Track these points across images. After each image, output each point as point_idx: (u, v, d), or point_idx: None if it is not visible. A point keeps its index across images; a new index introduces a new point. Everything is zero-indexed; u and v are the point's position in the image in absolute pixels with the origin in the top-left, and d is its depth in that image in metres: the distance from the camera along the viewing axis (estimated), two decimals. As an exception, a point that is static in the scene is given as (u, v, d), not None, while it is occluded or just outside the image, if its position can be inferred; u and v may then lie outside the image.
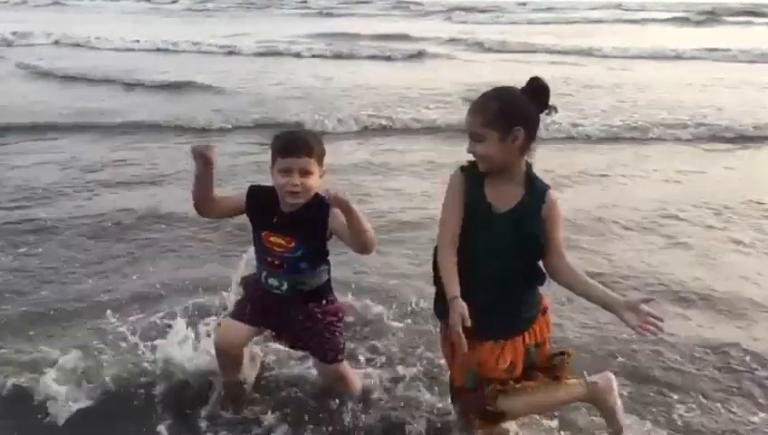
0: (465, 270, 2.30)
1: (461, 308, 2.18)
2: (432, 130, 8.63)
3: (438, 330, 2.66)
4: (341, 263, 4.35)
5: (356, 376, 2.96)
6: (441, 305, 2.39)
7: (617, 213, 5.49)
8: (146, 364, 3.12)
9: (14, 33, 19.40)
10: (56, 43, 18.64)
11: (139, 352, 3.18)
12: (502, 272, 2.32)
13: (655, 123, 8.77)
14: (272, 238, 2.65)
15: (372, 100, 10.44)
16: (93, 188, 6.07)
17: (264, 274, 2.72)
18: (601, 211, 5.52)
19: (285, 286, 2.69)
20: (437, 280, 2.41)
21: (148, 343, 3.21)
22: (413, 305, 3.72)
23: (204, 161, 2.52)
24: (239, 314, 2.80)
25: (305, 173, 2.53)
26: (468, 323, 2.16)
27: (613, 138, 8.37)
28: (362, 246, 2.53)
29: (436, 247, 2.41)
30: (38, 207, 5.47)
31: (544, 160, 6.88)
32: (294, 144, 2.54)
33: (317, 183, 2.58)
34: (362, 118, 8.92)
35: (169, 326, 3.33)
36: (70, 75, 12.57)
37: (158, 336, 3.27)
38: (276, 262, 2.66)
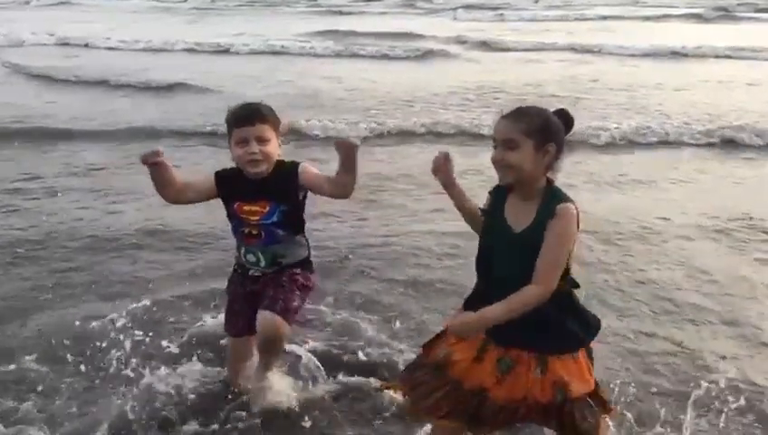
0: (492, 284, 2.29)
1: None
2: (447, 134, 8.36)
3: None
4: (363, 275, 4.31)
5: (281, 350, 2.83)
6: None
7: (630, 223, 5.24)
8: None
9: (4, 35, 19.03)
10: (62, 44, 18.43)
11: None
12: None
13: (671, 127, 8.45)
14: (245, 208, 2.64)
15: (383, 102, 10.21)
16: (97, 190, 5.97)
17: (243, 250, 2.71)
18: (614, 221, 5.26)
19: (264, 262, 2.68)
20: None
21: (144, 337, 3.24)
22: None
23: (154, 167, 2.57)
24: (235, 328, 2.87)
25: (262, 140, 2.55)
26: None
27: (627, 141, 8.07)
28: (345, 187, 2.56)
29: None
30: (38, 212, 5.39)
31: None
32: (247, 113, 2.58)
33: (276, 150, 2.60)
34: (374, 121, 8.66)
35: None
36: (70, 78, 12.39)
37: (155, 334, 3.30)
38: (254, 232, 2.64)
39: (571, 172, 6.37)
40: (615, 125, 8.45)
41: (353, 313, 3.73)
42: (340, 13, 29.04)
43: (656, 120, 8.84)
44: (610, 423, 2.58)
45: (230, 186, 2.66)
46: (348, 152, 2.46)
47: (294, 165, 2.66)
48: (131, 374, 3.06)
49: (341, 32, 20.70)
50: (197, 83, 11.57)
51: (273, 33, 20.33)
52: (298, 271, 2.74)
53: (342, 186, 2.56)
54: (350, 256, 4.51)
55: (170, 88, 11.39)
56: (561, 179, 2.31)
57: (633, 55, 15.89)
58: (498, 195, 2.35)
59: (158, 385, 2.95)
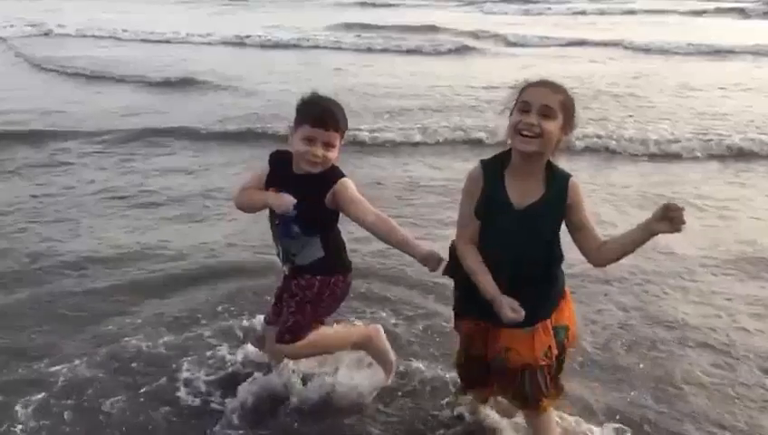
0: (485, 261, 2.35)
1: (509, 302, 2.22)
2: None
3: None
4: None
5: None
6: (466, 304, 2.47)
7: (651, 256, 4.52)
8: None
9: (33, 26, 18.90)
10: (83, 35, 18.28)
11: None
12: (521, 264, 2.31)
13: (703, 137, 7.58)
14: None
15: (421, 99, 9.74)
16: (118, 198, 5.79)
17: (273, 240, 2.79)
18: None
19: (281, 256, 2.74)
20: (459, 279, 2.44)
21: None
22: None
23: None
24: (268, 314, 3.04)
25: (328, 146, 2.56)
26: (521, 316, 2.19)
27: (652, 152, 7.26)
28: (378, 236, 2.62)
29: (452, 245, 2.45)
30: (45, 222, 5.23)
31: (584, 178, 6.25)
32: (326, 117, 2.55)
33: (335, 156, 2.61)
34: (414, 124, 8.11)
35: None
36: (88, 72, 12.19)
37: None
38: (276, 221, 2.69)
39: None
40: (670, 130, 7.83)
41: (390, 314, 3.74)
42: (374, 5, 28.63)
43: (690, 129, 7.95)
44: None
45: (275, 170, 2.71)
46: (418, 259, 2.51)
47: (336, 176, 2.61)
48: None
49: (371, 25, 20.33)
50: (225, 80, 11.27)
51: (304, 24, 20.06)
52: (304, 280, 2.72)
53: (380, 234, 2.59)
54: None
55: (193, 83, 11.09)
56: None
57: (689, 53, 15.10)
58: (494, 175, 2.33)
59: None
